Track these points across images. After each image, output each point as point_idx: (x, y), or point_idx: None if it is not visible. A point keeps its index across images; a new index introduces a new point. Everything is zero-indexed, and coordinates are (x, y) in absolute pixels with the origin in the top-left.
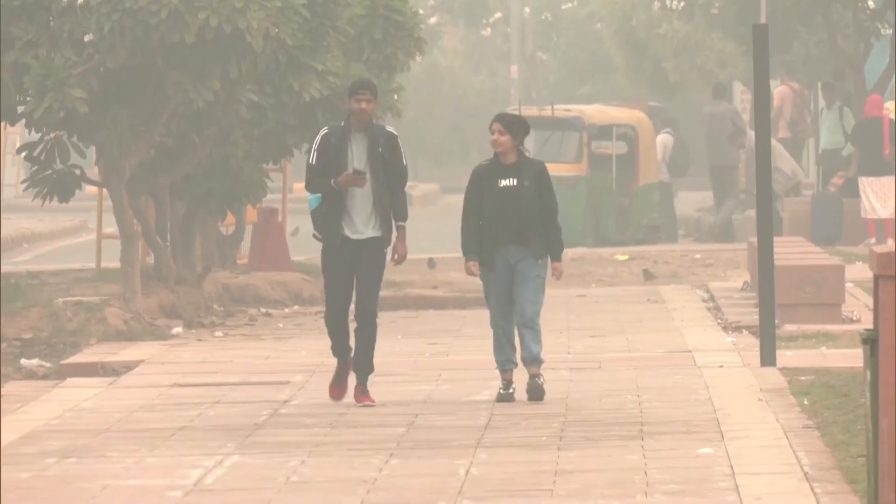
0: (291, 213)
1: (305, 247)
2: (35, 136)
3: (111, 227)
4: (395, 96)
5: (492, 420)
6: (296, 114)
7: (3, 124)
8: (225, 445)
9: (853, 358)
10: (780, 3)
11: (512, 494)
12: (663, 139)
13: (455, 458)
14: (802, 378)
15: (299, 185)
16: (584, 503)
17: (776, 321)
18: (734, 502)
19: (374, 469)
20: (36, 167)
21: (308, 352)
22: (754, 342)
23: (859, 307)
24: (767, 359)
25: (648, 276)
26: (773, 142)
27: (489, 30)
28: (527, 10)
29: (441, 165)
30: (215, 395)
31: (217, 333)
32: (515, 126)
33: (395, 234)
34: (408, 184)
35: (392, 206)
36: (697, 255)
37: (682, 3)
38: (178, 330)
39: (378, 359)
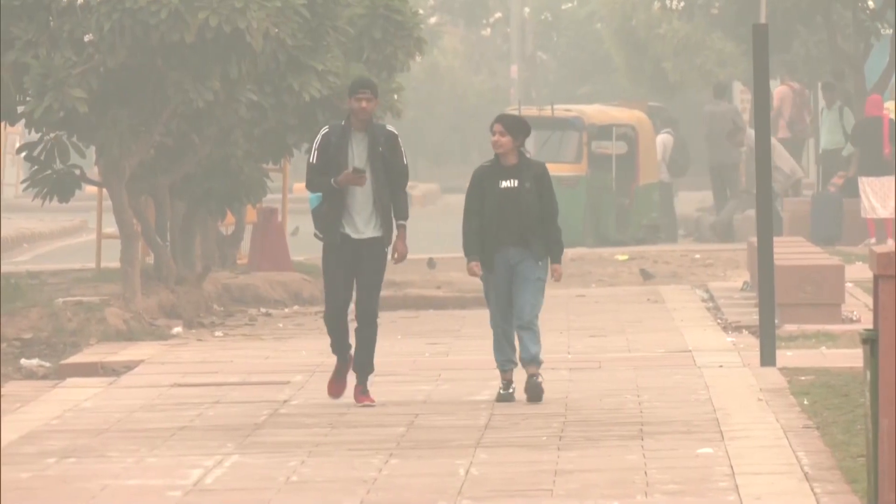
0: (291, 213)
1: (305, 247)
2: (35, 136)
3: (111, 227)
4: (395, 96)
5: (492, 420)
6: (296, 113)
7: (3, 124)
8: (225, 445)
9: (853, 358)
10: (780, 3)
11: (512, 494)
12: (663, 139)
13: (455, 458)
14: (802, 378)
15: (299, 185)
16: (584, 503)
17: (776, 321)
18: (734, 502)
19: (374, 469)
20: (36, 167)
21: (308, 352)
22: (754, 342)
23: (859, 307)
24: (767, 359)
25: (646, 275)
26: (772, 140)
27: (489, 30)
28: (527, 10)
29: (441, 165)
30: (215, 395)
31: (217, 333)
32: (516, 127)
33: (395, 233)
34: (408, 184)
35: (393, 204)
36: (697, 255)
37: (682, 3)
38: (178, 330)
39: (378, 359)
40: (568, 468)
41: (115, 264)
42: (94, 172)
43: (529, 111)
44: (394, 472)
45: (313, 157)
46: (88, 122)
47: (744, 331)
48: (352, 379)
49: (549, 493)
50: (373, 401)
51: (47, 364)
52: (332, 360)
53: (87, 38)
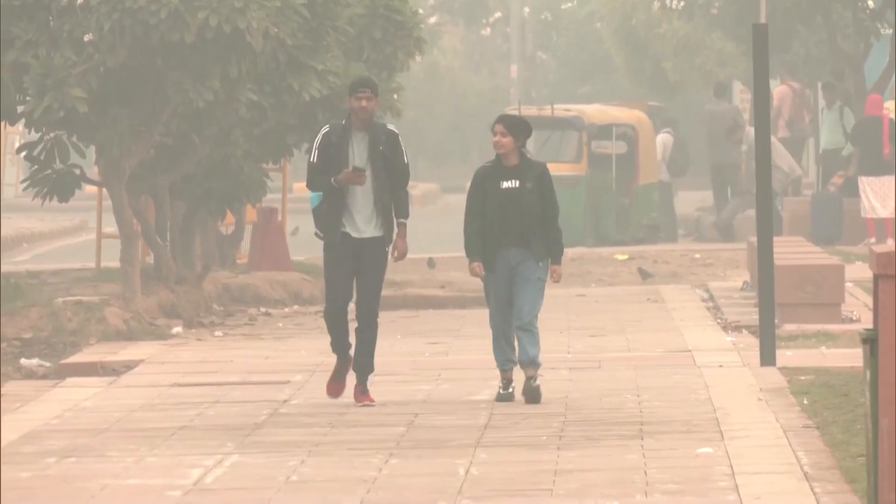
0: (291, 212)
1: (305, 246)
2: (35, 136)
3: (111, 227)
4: (395, 96)
5: (491, 420)
6: (296, 113)
7: (3, 124)
8: (225, 445)
9: (853, 358)
10: (780, 3)
11: (512, 494)
12: (663, 139)
13: (455, 458)
14: (802, 378)
15: (299, 185)
16: (584, 503)
17: (776, 321)
18: (734, 502)
19: (373, 469)
20: (36, 167)
21: (308, 351)
22: (754, 342)
23: (859, 307)
24: (767, 358)
25: (644, 274)
26: (772, 139)
27: (489, 29)
28: (527, 9)
29: (441, 165)
30: (215, 394)
31: (217, 333)
32: (518, 128)
33: (396, 231)
34: (408, 183)
35: (394, 203)
36: (697, 255)
37: (682, 3)
38: (177, 329)
39: (378, 359)
40: (568, 468)
41: (115, 264)
42: (93, 172)
43: (529, 111)
44: (394, 472)
45: (314, 157)
46: (88, 121)
47: (744, 330)
48: (351, 379)
49: (548, 492)
50: (373, 400)
51: (47, 364)
52: (332, 359)
53: (87, 37)
